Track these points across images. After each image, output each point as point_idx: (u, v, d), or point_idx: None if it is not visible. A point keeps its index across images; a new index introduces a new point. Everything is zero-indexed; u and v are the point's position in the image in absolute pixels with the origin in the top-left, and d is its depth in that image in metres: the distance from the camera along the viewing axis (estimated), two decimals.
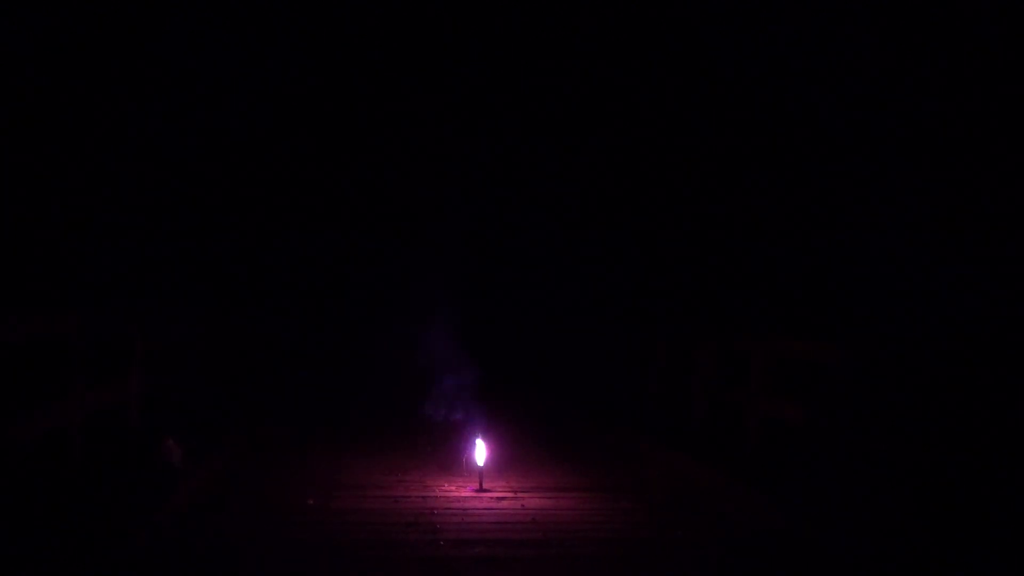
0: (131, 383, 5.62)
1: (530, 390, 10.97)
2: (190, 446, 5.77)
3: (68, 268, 9.59)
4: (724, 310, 9.28)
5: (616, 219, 14.28)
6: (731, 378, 6.75)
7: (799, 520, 4.47)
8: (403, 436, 7.97)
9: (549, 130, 14.94)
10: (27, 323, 4.08)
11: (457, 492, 5.80)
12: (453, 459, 6.74)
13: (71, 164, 10.25)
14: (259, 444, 7.38)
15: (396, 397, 10.29)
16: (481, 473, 6.00)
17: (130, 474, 5.06)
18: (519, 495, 5.74)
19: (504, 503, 5.53)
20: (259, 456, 6.88)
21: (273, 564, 4.09)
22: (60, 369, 4.43)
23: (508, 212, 15.55)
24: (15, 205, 9.16)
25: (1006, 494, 3.52)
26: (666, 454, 6.60)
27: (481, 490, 5.84)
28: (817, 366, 5.10)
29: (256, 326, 12.54)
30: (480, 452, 6.06)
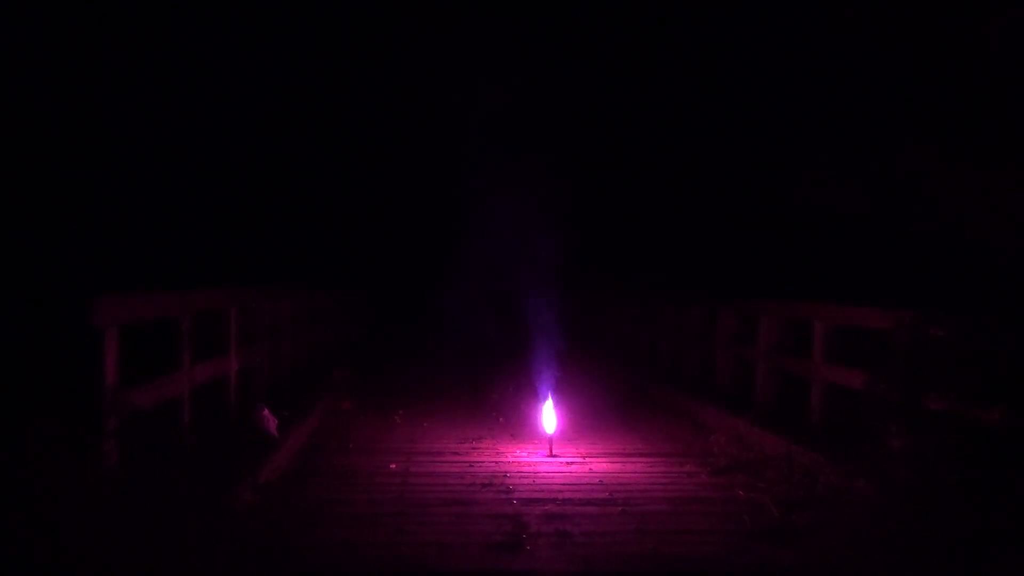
0: (230, 359, 6.16)
1: (599, 359, 11.21)
2: (283, 416, 6.29)
3: (172, 255, 10.34)
4: (785, 279, 9.32)
5: (677, 190, 14.31)
6: (793, 346, 6.87)
7: (857, 479, 4.62)
8: (478, 404, 8.33)
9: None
10: (153, 304, 4.60)
11: (528, 458, 6.15)
12: (524, 427, 7.10)
13: (166, 155, 10.96)
14: (344, 414, 7.89)
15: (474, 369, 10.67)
16: (551, 440, 6.34)
17: (232, 441, 5.57)
18: (587, 460, 6.05)
19: (573, 467, 5.85)
20: (344, 426, 7.37)
21: (361, 519, 4.52)
22: (173, 345, 4.96)
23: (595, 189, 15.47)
24: (117, 196, 9.92)
25: None
26: (731, 420, 6.78)
27: (551, 456, 6.17)
28: (874, 332, 5.20)
29: (344, 299, 13.18)
30: (550, 419, 6.39)
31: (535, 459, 6.10)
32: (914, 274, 7.28)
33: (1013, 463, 3.57)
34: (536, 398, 7.15)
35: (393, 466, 5.80)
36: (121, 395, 4.05)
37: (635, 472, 5.68)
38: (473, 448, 6.48)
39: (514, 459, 6.10)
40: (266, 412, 5.93)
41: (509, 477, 5.51)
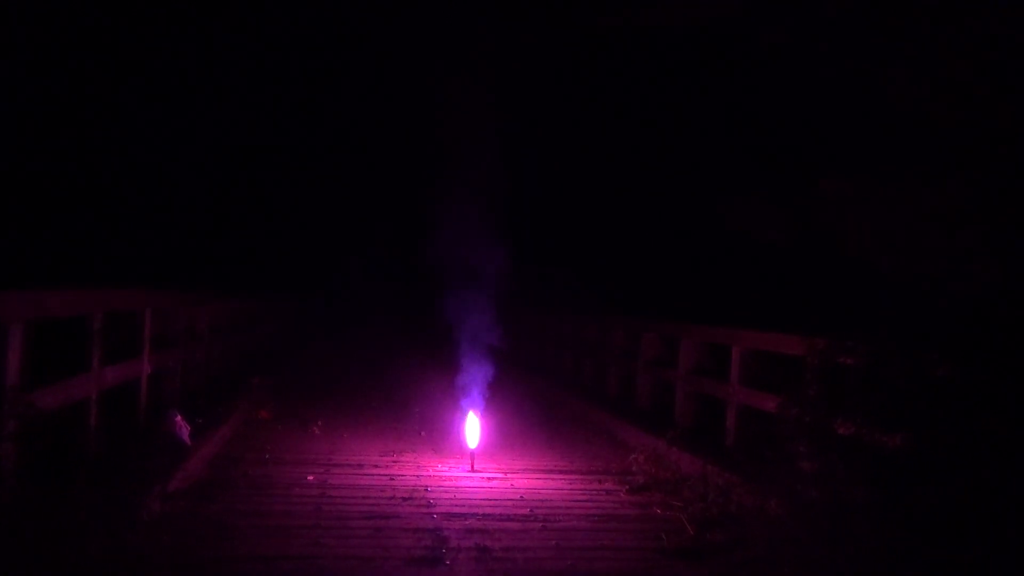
0: (143, 362, 5.91)
1: (522, 378, 11.26)
2: (197, 423, 6.08)
3: (89, 253, 9.90)
4: (710, 305, 9.60)
5: (602, 212, 14.59)
6: (712, 369, 7.06)
7: (769, 499, 4.77)
8: (400, 416, 8.22)
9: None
10: (63, 301, 4.38)
11: (450, 472, 6.11)
12: (446, 441, 7.05)
13: (107, 155, 10.53)
14: (262, 423, 7.67)
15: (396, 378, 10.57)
16: (473, 455, 6.31)
17: (141, 448, 5.34)
18: (509, 476, 6.05)
19: (494, 483, 5.84)
20: (261, 435, 7.16)
21: (277, 531, 4.39)
22: (81, 345, 4.73)
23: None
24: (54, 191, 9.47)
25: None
26: (650, 440, 6.91)
27: (473, 471, 6.15)
28: (789, 358, 5.40)
29: (264, 306, 12.84)
30: (473, 434, 6.37)
31: (457, 473, 6.06)
32: (831, 302, 7.60)
33: (913, 485, 3.76)
34: (460, 412, 7.11)
35: (311, 478, 5.67)
36: (23, 395, 3.84)
37: (556, 488, 5.72)
38: (394, 461, 6.40)
39: (436, 473, 6.05)
40: (179, 418, 5.71)
41: (430, 491, 5.46)
